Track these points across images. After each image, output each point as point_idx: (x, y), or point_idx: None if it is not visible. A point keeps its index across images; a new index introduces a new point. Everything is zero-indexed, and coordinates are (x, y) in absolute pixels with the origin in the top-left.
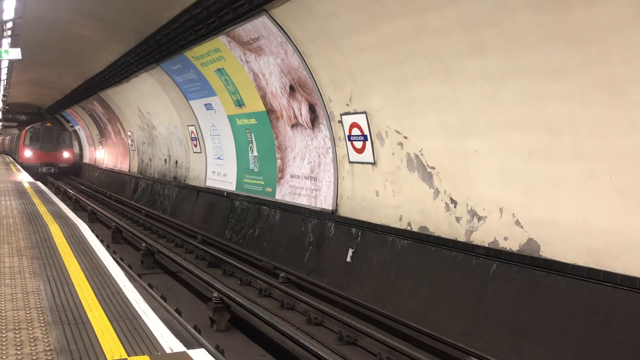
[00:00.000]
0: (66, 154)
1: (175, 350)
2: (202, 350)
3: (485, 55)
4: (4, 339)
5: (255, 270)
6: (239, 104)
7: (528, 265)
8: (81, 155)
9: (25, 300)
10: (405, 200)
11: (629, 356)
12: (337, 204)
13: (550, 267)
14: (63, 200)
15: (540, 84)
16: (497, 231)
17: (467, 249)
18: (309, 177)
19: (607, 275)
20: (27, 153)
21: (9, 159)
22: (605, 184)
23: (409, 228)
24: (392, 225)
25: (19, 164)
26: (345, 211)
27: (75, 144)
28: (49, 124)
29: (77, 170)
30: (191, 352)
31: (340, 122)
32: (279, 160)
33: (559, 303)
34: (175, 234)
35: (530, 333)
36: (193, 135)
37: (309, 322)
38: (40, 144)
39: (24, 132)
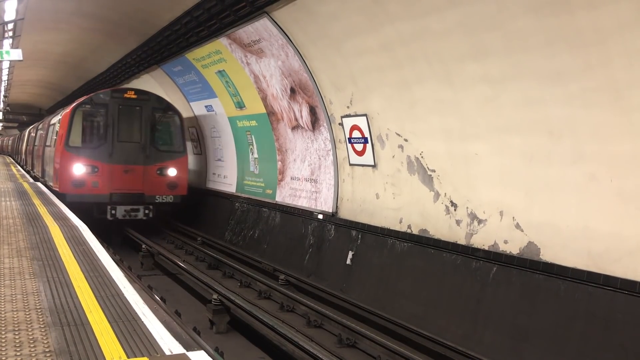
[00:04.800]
0: (172, 171)
1: (174, 352)
2: (202, 352)
3: (486, 58)
4: (3, 340)
5: (255, 272)
6: (240, 105)
7: (528, 269)
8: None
9: (25, 302)
10: (406, 203)
11: None
12: (337, 206)
13: (550, 271)
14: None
15: (541, 87)
16: (497, 234)
17: (467, 252)
18: (309, 180)
19: (608, 279)
20: (78, 169)
21: (9, 159)
22: (606, 188)
23: (409, 231)
24: (392, 227)
25: (49, 188)
26: (345, 213)
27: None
28: (130, 93)
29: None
30: (190, 354)
31: (341, 124)
32: (280, 162)
33: (559, 307)
34: (175, 235)
35: (530, 336)
36: (193, 137)
37: (308, 324)
38: (111, 145)
39: (66, 114)
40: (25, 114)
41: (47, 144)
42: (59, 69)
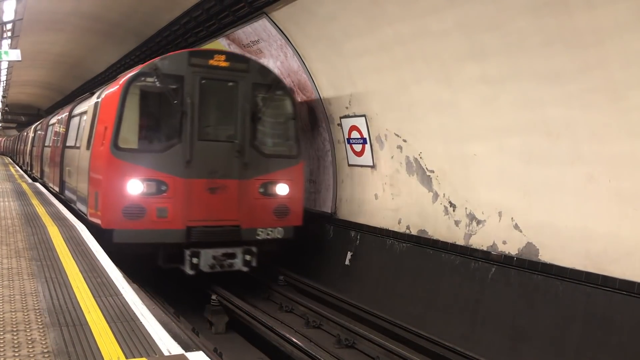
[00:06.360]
0: (282, 188)
1: (173, 353)
2: (200, 353)
3: (485, 59)
4: (1, 341)
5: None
6: None
7: (527, 269)
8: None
9: (24, 302)
10: (404, 204)
11: None
12: (335, 206)
13: (548, 271)
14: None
15: (539, 88)
16: (495, 235)
17: (466, 252)
18: (308, 180)
19: (606, 279)
20: (134, 187)
21: (7, 160)
22: (604, 189)
23: (407, 231)
24: (391, 228)
25: (75, 214)
26: (344, 214)
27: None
28: (219, 59)
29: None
30: (189, 355)
31: (340, 125)
32: None
33: (557, 307)
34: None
35: (529, 337)
36: None
37: (307, 325)
38: (188, 146)
39: (112, 95)
40: (24, 114)
41: (70, 144)
42: (58, 69)
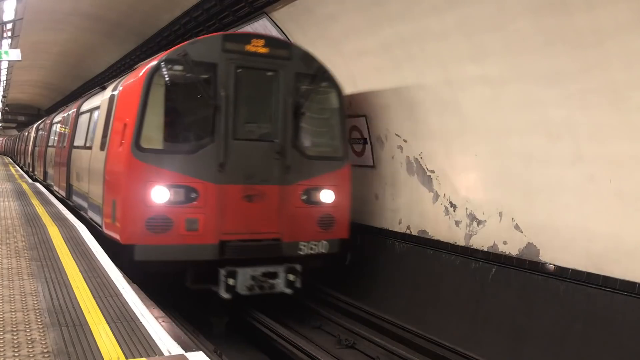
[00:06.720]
0: (327, 195)
1: (173, 353)
2: (200, 353)
3: (485, 60)
4: (1, 341)
5: None
6: None
7: (527, 270)
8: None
9: (23, 302)
10: (405, 204)
11: None
12: None
13: (549, 272)
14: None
15: (540, 89)
16: (496, 235)
17: (466, 252)
18: None
19: (607, 280)
20: (158, 195)
21: (7, 159)
22: (605, 189)
23: (408, 232)
24: (391, 228)
25: (86, 223)
26: None
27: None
28: (257, 44)
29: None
30: (189, 355)
31: None
32: None
33: (558, 307)
34: None
35: (530, 337)
36: None
37: (307, 325)
38: (222, 146)
39: (133, 85)
40: (24, 114)
41: (78, 143)
42: (58, 69)
